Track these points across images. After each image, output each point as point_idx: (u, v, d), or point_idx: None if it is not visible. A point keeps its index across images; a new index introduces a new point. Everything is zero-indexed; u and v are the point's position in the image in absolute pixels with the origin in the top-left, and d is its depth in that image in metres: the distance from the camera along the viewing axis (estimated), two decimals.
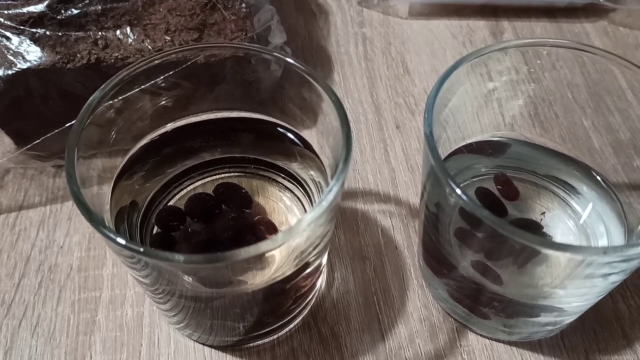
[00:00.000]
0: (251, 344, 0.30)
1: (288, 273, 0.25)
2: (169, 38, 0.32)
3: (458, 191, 0.24)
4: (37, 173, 0.35)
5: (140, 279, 0.25)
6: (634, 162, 0.31)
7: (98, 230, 0.21)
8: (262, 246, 0.21)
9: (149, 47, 0.32)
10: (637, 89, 0.28)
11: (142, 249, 0.22)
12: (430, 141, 0.25)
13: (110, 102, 0.26)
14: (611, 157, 0.31)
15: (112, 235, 0.21)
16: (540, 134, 0.33)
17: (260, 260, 0.26)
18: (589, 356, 0.29)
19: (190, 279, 0.25)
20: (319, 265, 0.28)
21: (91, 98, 0.24)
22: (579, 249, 0.24)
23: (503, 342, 0.30)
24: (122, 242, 0.21)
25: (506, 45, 0.29)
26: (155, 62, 0.27)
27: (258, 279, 0.27)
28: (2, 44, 0.31)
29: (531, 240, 0.23)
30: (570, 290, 0.28)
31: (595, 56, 0.28)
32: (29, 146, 0.32)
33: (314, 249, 0.25)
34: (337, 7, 0.45)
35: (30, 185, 0.35)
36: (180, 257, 0.21)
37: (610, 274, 0.25)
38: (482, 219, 0.23)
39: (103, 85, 0.25)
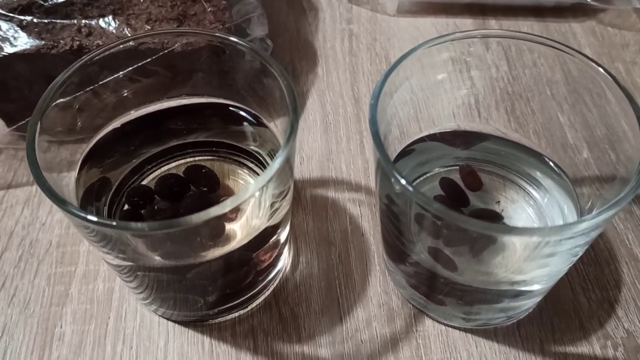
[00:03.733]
0: (213, 321, 0.31)
1: (244, 242, 0.27)
2: (149, 27, 0.34)
3: (403, 182, 0.24)
4: None
5: (104, 254, 0.27)
6: (606, 155, 0.31)
7: (48, 195, 0.23)
8: (212, 211, 0.22)
9: (129, 35, 0.33)
10: (614, 90, 0.28)
11: (94, 219, 0.23)
12: (375, 134, 0.25)
13: (83, 83, 0.28)
14: (584, 151, 0.32)
15: (69, 208, 0.22)
16: (515, 129, 0.34)
17: (217, 229, 0.27)
18: (544, 346, 0.30)
19: (155, 254, 0.27)
20: (277, 241, 0.29)
21: (57, 78, 0.26)
22: (523, 230, 0.25)
23: (459, 328, 0.30)
24: (73, 211, 0.22)
25: (464, 35, 0.29)
26: (130, 43, 0.28)
27: (218, 251, 0.28)
28: None
29: (472, 224, 0.23)
30: (527, 274, 0.28)
31: (575, 58, 0.29)
32: (14, 127, 0.34)
33: (268, 219, 0.26)
34: (327, 4, 0.46)
35: (19, 165, 0.37)
36: (131, 225, 0.22)
37: (560, 252, 0.25)
38: (427, 208, 0.24)
39: (71, 65, 0.26)
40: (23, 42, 0.33)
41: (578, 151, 0.31)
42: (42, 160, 0.24)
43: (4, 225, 0.34)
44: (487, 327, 0.30)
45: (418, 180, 0.33)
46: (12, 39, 0.33)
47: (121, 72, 0.30)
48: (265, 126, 0.30)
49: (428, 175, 0.33)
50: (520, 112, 0.34)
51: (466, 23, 0.44)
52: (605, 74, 0.27)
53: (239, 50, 0.29)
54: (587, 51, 0.42)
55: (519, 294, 0.29)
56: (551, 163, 0.31)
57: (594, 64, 0.28)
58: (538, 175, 0.32)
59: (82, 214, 0.22)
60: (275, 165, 0.23)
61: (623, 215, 0.34)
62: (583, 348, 0.30)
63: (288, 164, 0.25)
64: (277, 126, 0.30)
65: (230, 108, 0.31)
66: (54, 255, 0.33)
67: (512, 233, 0.26)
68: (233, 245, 0.27)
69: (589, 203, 0.29)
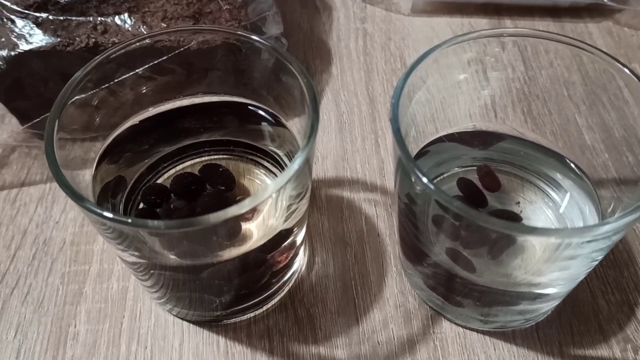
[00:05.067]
0: (228, 321, 0.30)
1: (261, 243, 0.26)
2: (164, 25, 0.34)
3: (424, 180, 0.24)
4: (40, 153, 0.37)
5: (120, 251, 0.26)
6: (624, 157, 0.30)
7: (65, 190, 0.23)
8: (230, 211, 0.22)
9: (145, 32, 0.33)
10: (633, 89, 0.28)
11: (111, 215, 0.23)
12: (397, 132, 0.25)
13: (100, 80, 0.28)
14: (602, 153, 0.31)
15: (86, 205, 0.22)
16: (532, 129, 0.34)
17: (234, 229, 0.27)
18: (563, 349, 0.29)
19: (171, 253, 0.27)
20: (294, 243, 0.29)
21: (75, 75, 0.26)
22: (544, 231, 0.25)
23: (477, 331, 0.30)
24: (91, 207, 0.22)
25: (480, 34, 0.29)
26: (146, 41, 0.28)
27: (234, 251, 0.27)
28: (7, 26, 0.33)
29: (492, 223, 0.23)
30: (546, 276, 0.28)
31: (593, 55, 0.28)
32: (29, 124, 0.34)
33: (285, 220, 0.26)
34: (341, 3, 0.46)
35: (33, 163, 0.37)
36: (148, 223, 0.22)
37: (580, 255, 0.25)
38: (448, 206, 0.24)
39: (89, 62, 0.26)
40: (38, 39, 0.32)
41: (596, 153, 0.31)
42: (59, 158, 0.24)
43: (18, 223, 0.34)
44: (505, 330, 0.30)
45: (435, 181, 0.32)
46: (27, 36, 0.32)
47: (137, 70, 0.30)
48: (284, 125, 0.30)
49: (445, 175, 0.33)
50: (537, 113, 0.34)
51: (481, 23, 0.44)
52: (623, 67, 0.27)
53: (256, 48, 0.29)
54: None
55: (537, 297, 0.28)
56: (571, 164, 0.31)
57: (611, 59, 0.27)
58: (558, 176, 0.32)
59: (99, 211, 0.22)
60: (294, 165, 0.23)
61: None
62: (602, 351, 0.29)
63: (307, 165, 0.25)
64: (294, 126, 0.30)
65: (249, 107, 0.31)
66: (67, 253, 0.33)
67: (533, 233, 0.26)
68: (249, 245, 0.27)
69: (611, 206, 0.28)
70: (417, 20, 0.44)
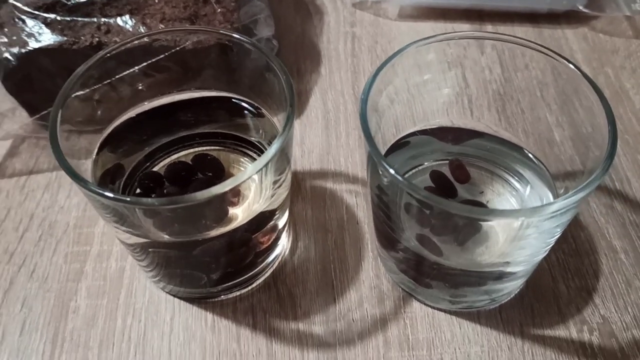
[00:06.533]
0: (216, 299, 0.33)
1: (245, 221, 0.29)
2: (162, 26, 0.36)
3: (391, 171, 0.26)
4: (48, 143, 0.40)
5: (119, 231, 0.29)
6: (590, 152, 0.33)
7: (70, 174, 0.25)
8: (213, 189, 0.25)
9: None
10: (594, 94, 0.30)
11: (111, 195, 0.25)
12: (366, 129, 0.27)
13: (101, 77, 0.30)
14: (570, 149, 0.34)
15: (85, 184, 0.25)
16: (505, 128, 0.36)
17: (220, 212, 0.30)
18: (524, 328, 0.32)
19: (164, 233, 0.29)
20: (275, 226, 0.32)
21: (77, 70, 0.29)
22: (502, 212, 0.27)
23: (445, 311, 0.33)
24: (92, 188, 0.25)
25: (455, 35, 0.32)
26: (145, 39, 0.31)
27: (221, 229, 0.30)
28: (18, 25, 0.36)
29: (456, 208, 0.26)
30: (509, 257, 0.30)
31: (564, 64, 0.31)
32: (37, 116, 0.37)
33: (265, 201, 0.29)
34: (332, 8, 0.48)
35: (41, 153, 0.40)
36: (142, 200, 0.25)
37: (538, 234, 0.27)
38: (410, 192, 0.26)
39: (91, 58, 0.29)
40: (47, 38, 0.35)
41: (564, 148, 0.33)
42: (64, 147, 0.27)
43: (26, 207, 0.37)
44: (471, 310, 0.33)
45: (410, 173, 0.35)
46: (37, 34, 0.35)
47: (136, 67, 0.33)
48: (267, 119, 0.32)
49: (420, 168, 0.35)
50: (511, 112, 0.36)
51: (464, 28, 0.46)
52: (584, 77, 0.29)
53: (245, 48, 0.31)
54: (578, 56, 0.44)
55: (501, 276, 0.31)
56: (533, 158, 0.34)
57: (576, 70, 0.30)
58: (521, 169, 0.34)
59: (100, 191, 0.25)
60: (271, 150, 0.26)
61: (604, 210, 0.36)
62: (560, 332, 0.32)
63: (284, 152, 0.28)
64: (279, 120, 0.32)
65: (236, 101, 0.33)
66: (71, 235, 0.36)
67: (492, 215, 0.29)
68: (234, 225, 0.30)
69: (564, 191, 0.31)
70: (403, 25, 0.47)
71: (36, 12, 0.36)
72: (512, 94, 0.36)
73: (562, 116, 0.34)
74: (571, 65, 0.30)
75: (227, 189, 0.25)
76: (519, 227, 0.28)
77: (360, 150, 0.39)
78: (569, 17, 0.47)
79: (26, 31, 0.35)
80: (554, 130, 0.34)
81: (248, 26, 0.38)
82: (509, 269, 0.31)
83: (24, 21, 0.36)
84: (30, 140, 0.40)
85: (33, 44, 0.35)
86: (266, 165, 0.26)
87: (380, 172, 0.27)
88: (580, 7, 0.45)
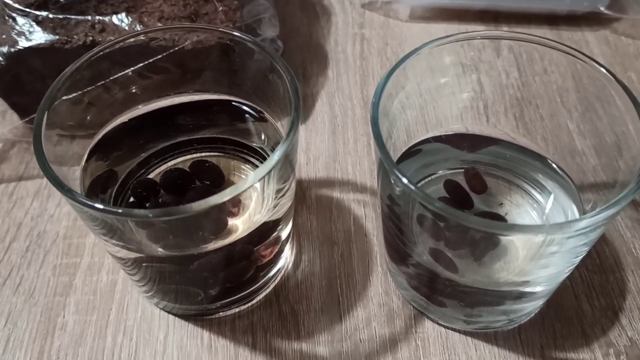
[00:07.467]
0: (213, 316, 0.31)
1: (244, 234, 0.27)
2: (160, 25, 0.34)
3: (404, 180, 0.24)
4: None
5: (109, 245, 0.27)
6: (614, 162, 0.31)
7: (52, 181, 0.23)
8: (211, 199, 0.23)
9: None
10: (624, 99, 0.28)
11: (100, 206, 0.23)
12: (377, 134, 0.25)
13: (93, 78, 0.28)
14: (592, 158, 0.32)
15: (72, 194, 0.23)
16: (524, 135, 0.34)
17: (219, 223, 0.28)
18: (545, 351, 0.29)
19: (158, 246, 0.27)
20: (278, 238, 0.29)
21: (66, 69, 0.27)
22: (523, 227, 0.25)
23: (459, 331, 0.30)
24: (79, 198, 0.23)
25: (473, 35, 0.30)
26: (141, 38, 0.29)
27: (220, 242, 0.28)
28: (8, 23, 0.34)
29: (472, 222, 0.23)
30: (529, 276, 0.28)
31: (587, 65, 0.29)
32: (28, 119, 0.35)
33: (268, 212, 0.27)
34: (340, 8, 0.46)
35: (31, 158, 0.38)
36: (134, 212, 0.23)
37: (562, 252, 0.25)
38: (424, 203, 0.24)
39: (82, 57, 0.27)
40: (38, 36, 0.33)
41: (586, 158, 0.31)
42: (52, 153, 0.25)
43: (14, 216, 0.35)
44: (487, 331, 0.30)
45: (422, 182, 0.33)
46: (27, 33, 0.33)
47: (132, 68, 0.31)
48: (271, 123, 0.30)
49: (433, 177, 0.33)
50: (529, 119, 0.34)
51: (478, 30, 0.44)
52: (613, 78, 0.27)
53: (248, 49, 0.29)
54: (599, 60, 0.42)
55: (520, 296, 0.29)
56: (556, 167, 0.31)
57: (603, 70, 0.28)
58: (543, 179, 0.32)
59: (88, 202, 0.23)
60: (274, 157, 0.24)
61: (630, 223, 0.34)
62: (585, 355, 0.29)
63: (288, 159, 0.26)
64: (283, 125, 0.30)
65: (237, 105, 0.31)
66: (60, 246, 0.34)
67: (514, 230, 0.26)
68: (234, 237, 0.27)
69: (592, 205, 0.29)
70: (415, 27, 0.45)
71: (27, 10, 0.34)
72: (531, 99, 0.34)
73: (584, 124, 0.32)
74: (597, 66, 0.28)
75: (226, 198, 0.23)
76: (541, 244, 0.26)
77: (369, 157, 0.37)
78: (590, 19, 0.44)
79: (16, 29, 0.33)
80: (575, 139, 0.32)
81: (251, 26, 0.36)
82: (528, 289, 0.28)
83: (14, 19, 0.34)
84: (21, 145, 0.38)
85: (23, 43, 0.33)
86: (269, 173, 0.24)
87: (392, 181, 0.25)
88: (602, 9, 0.43)
